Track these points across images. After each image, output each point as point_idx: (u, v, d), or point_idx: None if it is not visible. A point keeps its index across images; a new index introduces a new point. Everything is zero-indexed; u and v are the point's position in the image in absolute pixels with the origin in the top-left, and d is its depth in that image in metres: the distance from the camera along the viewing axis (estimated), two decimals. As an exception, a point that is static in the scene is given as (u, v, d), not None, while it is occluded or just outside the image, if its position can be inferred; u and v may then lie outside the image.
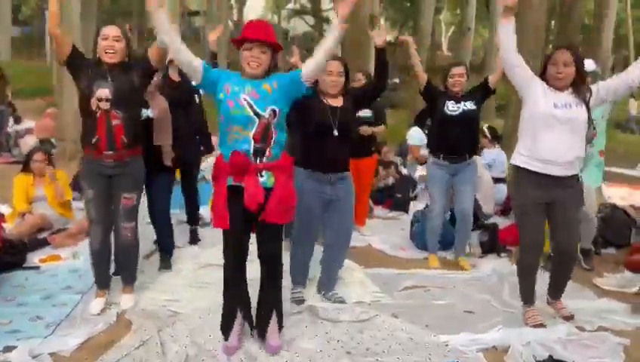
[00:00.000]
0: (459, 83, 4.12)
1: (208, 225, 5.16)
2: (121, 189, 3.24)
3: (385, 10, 27.98)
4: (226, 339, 2.83)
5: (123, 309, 3.27)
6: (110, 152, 3.15)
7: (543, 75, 3.14)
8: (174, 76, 4.29)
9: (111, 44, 3.10)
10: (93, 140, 3.13)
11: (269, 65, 2.73)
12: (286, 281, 3.65)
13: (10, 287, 3.61)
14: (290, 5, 32.42)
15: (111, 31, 3.11)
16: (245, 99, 2.64)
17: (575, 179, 3.16)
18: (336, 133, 3.31)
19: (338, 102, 3.40)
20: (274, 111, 2.68)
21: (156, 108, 3.80)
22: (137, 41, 18.43)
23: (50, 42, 15.65)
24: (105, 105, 3.08)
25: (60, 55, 3.19)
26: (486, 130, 6.22)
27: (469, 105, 4.09)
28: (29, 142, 8.63)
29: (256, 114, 2.65)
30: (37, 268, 4.01)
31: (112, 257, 3.52)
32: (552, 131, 3.03)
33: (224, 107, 2.67)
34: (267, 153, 2.70)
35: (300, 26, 33.15)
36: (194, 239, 4.79)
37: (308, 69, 2.74)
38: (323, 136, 3.32)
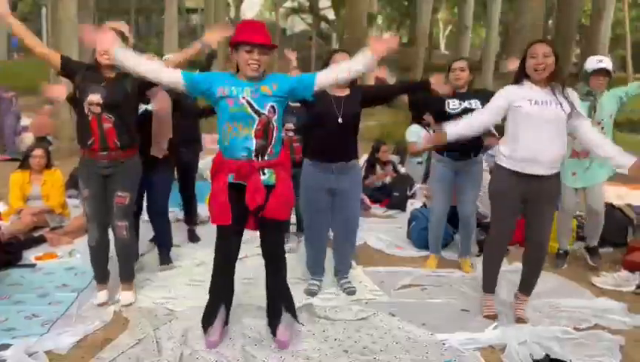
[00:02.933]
0: (460, 77, 3.92)
1: (206, 223, 5.15)
2: (115, 188, 3.25)
3: (383, 9, 27.99)
4: (205, 333, 2.84)
5: (123, 305, 3.26)
6: (104, 153, 3.18)
7: (521, 70, 3.10)
8: None
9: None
10: (88, 142, 3.17)
11: (267, 65, 2.73)
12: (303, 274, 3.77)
13: (5, 285, 3.60)
14: (288, 3, 32.35)
15: None
16: (245, 98, 2.64)
17: (556, 175, 3.12)
18: (340, 122, 3.31)
19: (343, 92, 3.39)
20: (273, 107, 2.68)
21: (157, 104, 3.80)
22: (136, 40, 18.35)
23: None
24: (96, 110, 3.10)
25: (53, 68, 3.24)
26: (492, 128, 6.15)
27: (474, 104, 3.87)
28: (26, 140, 8.62)
29: (256, 112, 2.64)
30: (33, 266, 4.00)
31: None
32: (533, 130, 2.99)
33: (223, 106, 2.66)
34: (269, 150, 2.71)
35: (297, 24, 33.12)
36: (193, 238, 4.79)
37: (324, 81, 2.76)
38: (327, 126, 3.32)
